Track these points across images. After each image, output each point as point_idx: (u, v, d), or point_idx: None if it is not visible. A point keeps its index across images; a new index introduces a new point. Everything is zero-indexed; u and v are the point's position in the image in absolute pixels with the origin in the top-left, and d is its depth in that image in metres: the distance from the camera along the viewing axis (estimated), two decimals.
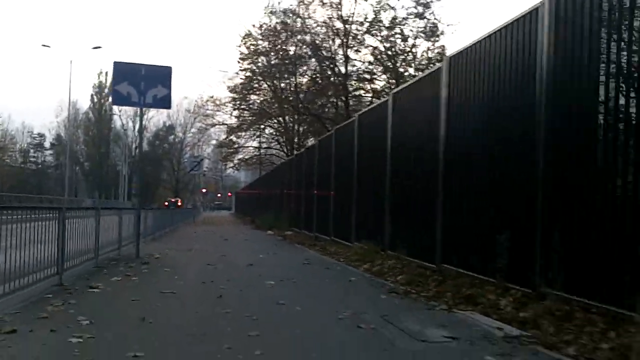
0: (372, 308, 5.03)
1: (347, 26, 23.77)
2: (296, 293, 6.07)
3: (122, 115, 73.57)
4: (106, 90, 72.73)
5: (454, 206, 6.54)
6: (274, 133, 32.20)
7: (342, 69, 24.51)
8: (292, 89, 27.24)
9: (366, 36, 23.87)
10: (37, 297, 5.23)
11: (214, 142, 46.42)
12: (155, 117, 70.86)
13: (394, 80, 22.37)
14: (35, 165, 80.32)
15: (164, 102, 9.67)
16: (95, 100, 76.32)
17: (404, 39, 23.21)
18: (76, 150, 77.02)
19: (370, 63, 24.08)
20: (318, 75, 25.27)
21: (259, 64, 26.34)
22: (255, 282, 6.78)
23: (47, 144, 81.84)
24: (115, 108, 71.35)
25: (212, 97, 29.87)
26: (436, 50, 23.03)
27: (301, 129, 30.09)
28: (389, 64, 23.44)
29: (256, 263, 8.96)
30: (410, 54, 23.56)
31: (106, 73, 71.58)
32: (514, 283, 5.08)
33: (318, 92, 25.11)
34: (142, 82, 9.06)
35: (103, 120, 76.48)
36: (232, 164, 35.35)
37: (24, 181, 68.58)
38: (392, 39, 23.21)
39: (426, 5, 22.72)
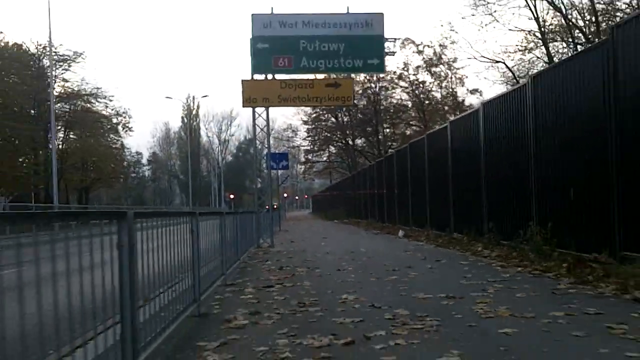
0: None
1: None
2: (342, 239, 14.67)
3: (208, 132, 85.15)
4: (193, 112, 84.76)
5: None
6: (339, 150, 42.07)
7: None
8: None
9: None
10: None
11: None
12: (237, 132, 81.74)
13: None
14: (137, 180, 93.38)
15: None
16: (185, 121, 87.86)
17: None
18: (171, 165, 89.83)
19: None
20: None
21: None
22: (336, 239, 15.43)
23: (144, 161, 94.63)
24: (203, 127, 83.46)
25: (290, 125, 40.10)
26: None
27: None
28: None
29: (329, 232, 17.65)
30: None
31: (193, 97, 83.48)
32: None
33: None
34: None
35: (193, 137, 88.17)
36: (309, 176, 45.79)
37: (128, 195, 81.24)
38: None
39: None
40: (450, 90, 40.07)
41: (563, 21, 24.21)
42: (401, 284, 6.03)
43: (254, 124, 13.72)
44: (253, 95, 12.90)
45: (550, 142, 7.71)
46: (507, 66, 26.24)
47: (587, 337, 3.51)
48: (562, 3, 23.53)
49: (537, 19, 24.94)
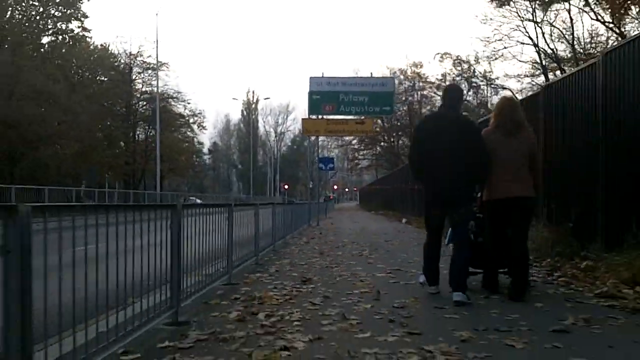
0: None
1: None
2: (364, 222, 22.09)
3: (265, 125, 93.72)
4: (252, 106, 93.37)
5: None
6: (383, 150, 49.32)
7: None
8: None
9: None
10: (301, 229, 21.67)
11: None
12: (292, 126, 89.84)
13: None
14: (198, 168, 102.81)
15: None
16: (245, 114, 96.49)
17: None
18: (230, 155, 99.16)
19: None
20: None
21: None
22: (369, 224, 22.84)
23: (205, 150, 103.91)
24: (260, 119, 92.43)
25: None
26: None
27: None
28: None
29: (361, 220, 25.03)
30: None
31: (253, 91, 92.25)
32: None
33: None
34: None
35: (251, 129, 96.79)
36: (356, 171, 53.41)
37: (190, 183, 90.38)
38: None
39: None
40: (483, 99, 46.75)
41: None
42: (371, 237, 13.40)
43: (309, 148, 21.36)
44: (309, 128, 20.61)
45: None
46: (511, 91, 32.85)
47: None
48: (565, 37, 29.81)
49: (538, 53, 31.39)
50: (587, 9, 22.23)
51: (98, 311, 3.11)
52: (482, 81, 43.89)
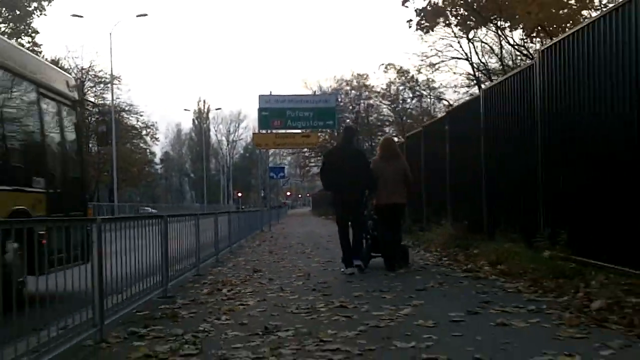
0: None
1: None
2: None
3: (217, 133, 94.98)
4: (204, 115, 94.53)
5: None
6: None
7: None
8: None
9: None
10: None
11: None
12: (244, 134, 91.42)
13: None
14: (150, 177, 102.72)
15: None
16: (197, 123, 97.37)
17: None
18: (182, 164, 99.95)
19: None
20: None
21: None
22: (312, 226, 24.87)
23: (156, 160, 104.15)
24: (212, 128, 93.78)
25: None
26: None
27: None
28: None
29: (311, 224, 27.06)
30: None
31: (204, 100, 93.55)
32: None
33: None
34: None
35: (203, 138, 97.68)
36: (307, 179, 55.45)
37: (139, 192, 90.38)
38: None
39: None
40: (426, 107, 49.58)
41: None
42: (316, 239, 15.44)
43: (260, 159, 23.36)
44: (259, 142, 22.65)
45: None
46: (448, 102, 35.61)
47: None
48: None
49: (472, 65, 34.23)
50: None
51: None
52: (424, 90, 46.68)
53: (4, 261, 4.54)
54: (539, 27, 18.06)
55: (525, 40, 22.31)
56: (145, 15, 41.12)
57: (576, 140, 6.94)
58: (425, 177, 14.04)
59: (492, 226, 9.53)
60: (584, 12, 18.19)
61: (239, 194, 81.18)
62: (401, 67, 46.74)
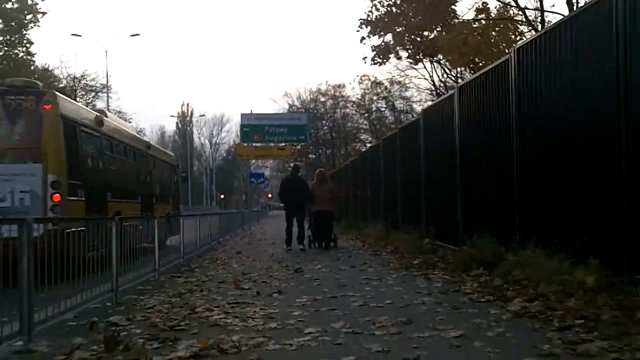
0: None
1: None
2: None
3: (200, 136, 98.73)
4: (187, 118, 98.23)
5: None
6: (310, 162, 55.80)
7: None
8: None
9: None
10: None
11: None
12: (227, 137, 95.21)
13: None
14: None
15: None
16: (180, 126, 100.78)
17: None
18: None
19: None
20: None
21: None
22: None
23: None
24: (195, 131, 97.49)
25: None
26: None
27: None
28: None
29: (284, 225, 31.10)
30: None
31: (187, 104, 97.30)
32: None
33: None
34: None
35: (186, 141, 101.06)
36: None
37: None
38: None
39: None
40: (398, 116, 53.94)
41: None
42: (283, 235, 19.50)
43: (242, 167, 27.44)
44: (241, 153, 26.86)
45: None
46: (413, 115, 39.94)
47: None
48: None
49: (433, 83, 38.70)
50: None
51: None
52: (396, 100, 50.88)
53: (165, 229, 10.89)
54: (472, 63, 22.37)
55: (462, 72, 26.78)
56: (138, 34, 44.92)
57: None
58: (369, 183, 18.32)
59: (403, 224, 13.74)
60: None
61: (222, 196, 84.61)
62: (375, 79, 51.08)
